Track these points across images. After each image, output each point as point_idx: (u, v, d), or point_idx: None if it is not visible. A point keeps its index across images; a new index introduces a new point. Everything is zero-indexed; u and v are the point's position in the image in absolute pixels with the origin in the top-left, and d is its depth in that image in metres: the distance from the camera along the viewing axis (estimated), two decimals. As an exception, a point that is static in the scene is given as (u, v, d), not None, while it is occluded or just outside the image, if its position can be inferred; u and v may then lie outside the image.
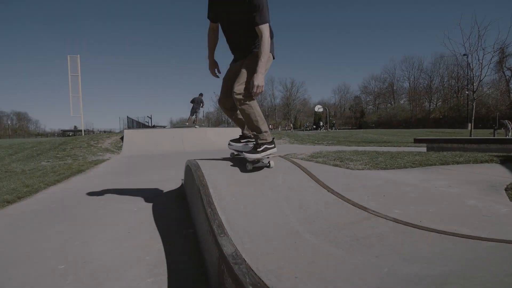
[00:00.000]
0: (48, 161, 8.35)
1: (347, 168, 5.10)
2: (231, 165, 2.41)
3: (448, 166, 4.89)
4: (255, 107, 2.22)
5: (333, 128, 51.90)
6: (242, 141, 2.68)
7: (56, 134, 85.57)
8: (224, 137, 13.37)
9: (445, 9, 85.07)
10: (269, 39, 2.09)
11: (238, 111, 2.34)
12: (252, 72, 2.10)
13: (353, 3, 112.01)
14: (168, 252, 1.78)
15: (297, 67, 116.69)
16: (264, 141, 2.28)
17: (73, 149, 10.69)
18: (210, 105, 79.01)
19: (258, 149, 2.23)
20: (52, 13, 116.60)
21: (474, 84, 12.11)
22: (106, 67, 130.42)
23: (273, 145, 2.32)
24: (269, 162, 2.37)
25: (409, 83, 66.12)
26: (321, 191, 2.00)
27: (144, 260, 1.68)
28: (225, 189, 1.85)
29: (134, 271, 1.55)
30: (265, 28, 2.06)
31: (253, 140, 2.41)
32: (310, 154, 7.59)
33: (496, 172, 3.98)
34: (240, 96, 2.12)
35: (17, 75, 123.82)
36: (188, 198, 2.75)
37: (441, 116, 48.69)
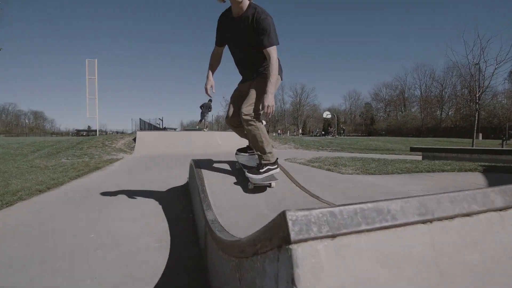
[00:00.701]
0: (67, 159, 9.08)
1: (339, 172, 5.59)
2: (227, 164, 2.93)
3: (433, 173, 5.32)
4: (261, 129, 2.30)
5: (342, 134, 51.92)
6: (249, 151, 2.82)
7: (70, 134, 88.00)
8: (230, 141, 13.96)
9: (459, 16, 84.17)
10: (277, 60, 2.15)
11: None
12: (260, 93, 2.17)
13: (365, 9, 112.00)
14: (172, 228, 2.31)
15: (307, 72, 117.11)
16: (267, 162, 2.33)
17: (90, 148, 11.45)
18: (219, 109, 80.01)
19: (260, 170, 2.28)
20: (66, 15, 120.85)
21: (477, 94, 12.35)
22: (119, 69, 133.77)
23: (275, 166, 2.38)
24: (270, 184, 2.35)
25: (421, 91, 65.65)
26: (291, 186, 2.49)
27: (153, 232, 2.22)
28: (216, 181, 2.37)
29: (145, 239, 2.09)
30: (273, 51, 2.11)
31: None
32: (309, 159, 8.09)
33: (470, 179, 4.40)
34: (248, 117, 2.19)
35: (35, 75, 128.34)
36: (190, 190, 3.28)
37: (452, 126, 48.13)
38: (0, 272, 1.63)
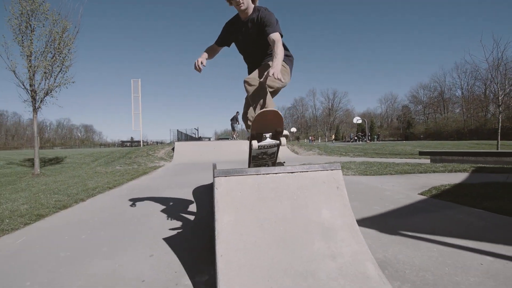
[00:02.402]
0: (120, 166, 11.02)
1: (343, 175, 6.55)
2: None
3: (422, 174, 6.13)
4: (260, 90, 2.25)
5: (375, 139, 50.69)
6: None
7: (116, 145, 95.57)
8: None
9: (498, 11, 78.01)
10: (281, 42, 2.17)
11: None
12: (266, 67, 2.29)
13: (400, 10, 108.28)
14: (199, 207, 3.62)
15: (340, 77, 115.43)
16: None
17: (137, 157, 13.46)
18: None
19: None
20: (111, 39, 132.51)
21: (500, 97, 12.34)
22: (157, 84, 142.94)
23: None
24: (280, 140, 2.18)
25: (462, 91, 61.88)
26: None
27: (188, 208, 3.54)
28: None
29: (183, 211, 3.41)
30: (276, 35, 2.15)
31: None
32: (321, 163, 9.05)
33: (449, 179, 5.17)
34: (248, 82, 2.25)
35: (85, 92, 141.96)
36: (211, 186, 4.60)
37: (496, 127, 44.79)
38: (113, 221, 3.03)
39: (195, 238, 2.44)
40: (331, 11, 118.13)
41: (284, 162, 2.52)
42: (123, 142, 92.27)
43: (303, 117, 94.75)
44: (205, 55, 2.49)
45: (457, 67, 59.28)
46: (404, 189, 4.37)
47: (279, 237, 1.56)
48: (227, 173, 1.76)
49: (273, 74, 1.90)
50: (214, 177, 1.75)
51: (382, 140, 55.69)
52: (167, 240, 2.41)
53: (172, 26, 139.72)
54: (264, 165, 2.16)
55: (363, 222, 2.72)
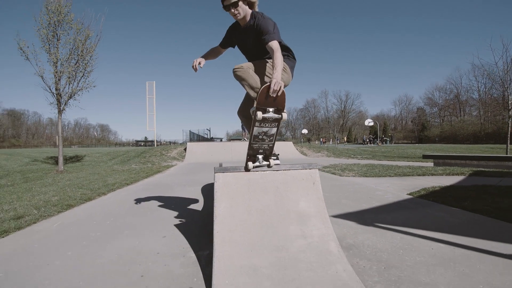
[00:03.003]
0: (136, 165, 11.69)
1: (339, 175, 6.93)
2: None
3: (420, 176, 6.41)
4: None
5: (388, 142, 50.10)
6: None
7: (130, 144, 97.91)
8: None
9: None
10: (280, 51, 2.17)
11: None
12: (261, 67, 2.42)
13: (414, 10, 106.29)
14: (205, 201, 4.08)
15: (353, 78, 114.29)
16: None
17: (151, 157, 14.14)
18: None
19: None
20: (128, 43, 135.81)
21: (510, 102, 12.29)
22: (170, 85, 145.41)
23: (275, 157, 2.52)
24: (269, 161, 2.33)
25: (479, 94, 60.30)
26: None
27: (196, 203, 4.01)
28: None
29: (191, 204, 3.88)
30: (274, 43, 2.18)
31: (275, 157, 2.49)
32: (327, 165, 9.44)
33: (443, 181, 5.45)
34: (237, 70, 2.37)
35: (102, 92, 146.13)
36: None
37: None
38: (131, 211, 3.52)
39: (200, 225, 2.90)
40: (346, 11, 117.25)
41: (278, 154, 2.62)
42: (137, 141, 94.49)
43: (315, 119, 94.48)
44: (205, 55, 2.63)
45: (474, 69, 57.80)
46: (395, 190, 4.70)
47: (263, 221, 1.98)
48: (224, 170, 2.20)
49: (275, 84, 1.95)
50: (214, 173, 2.19)
51: (395, 143, 54.88)
52: (177, 226, 2.88)
53: (187, 27, 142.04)
54: (262, 149, 2.26)
55: (347, 216, 3.10)
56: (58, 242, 2.53)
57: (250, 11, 2.35)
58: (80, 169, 10.70)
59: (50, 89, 8.76)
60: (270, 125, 2.14)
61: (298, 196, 2.13)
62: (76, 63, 9.00)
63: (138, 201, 4.26)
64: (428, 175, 6.55)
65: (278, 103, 2.07)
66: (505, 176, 6.00)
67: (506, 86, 12.38)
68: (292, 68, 2.54)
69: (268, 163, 2.27)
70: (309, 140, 62.96)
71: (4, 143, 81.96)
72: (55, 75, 8.71)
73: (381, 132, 60.68)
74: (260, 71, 2.44)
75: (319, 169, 8.24)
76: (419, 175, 6.65)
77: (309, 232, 1.95)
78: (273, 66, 2.12)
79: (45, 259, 2.14)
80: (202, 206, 3.83)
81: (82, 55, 8.99)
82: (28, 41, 8.51)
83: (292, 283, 1.60)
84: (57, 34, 8.73)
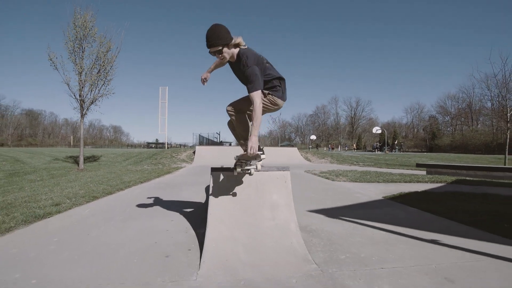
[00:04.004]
0: (148, 166, 12.59)
1: (332, 180, 7.58)
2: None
3: (406, 183, 7.00)
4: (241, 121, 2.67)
5: (397, 150, 49.91)
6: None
7: (142, 146, 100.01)
8: (270, 156, 16.26)
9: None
10: (261, 105, 2.25)
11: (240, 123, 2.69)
12: (245, 101, 2.59)
13: (425, 16, 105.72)
14: (207, 197, 4.82)
15: (364, 85, 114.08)
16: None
17: (162, 158, 15.05)
18: (267, 127, 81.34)
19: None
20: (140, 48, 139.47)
21: (508, 113, 12.67)
22: (181, 88, 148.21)
23: (261, 152, 2.74)
24: (256, 166, 2.69)
25: (492, 103, 59.38)
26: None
27: (199, 199, 4.76)
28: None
29: (195, 199, 4.64)
30: (255, 97, 2.23)
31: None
32: (325, 170, 10.09)
33: (422, 187, 6.05)
34: (231, 112, 2.67)
35: (115, 94, 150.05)
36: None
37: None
38: (145, 204, 4.29)
39: (199, 214, 3.64)
40: (357, 17, 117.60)
41: (263, 148, 2.84)
42: (148, 143, 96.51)
43: (324, 125, 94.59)
44: (211, 69, 2.77)
45: (487, 78, 57.04)
46: (374, 193, 5.34)
47: (244, 207, 2.70)
48: (218, 170, 2.93)
49: (250, 148, 2.18)
50: (211, 172, 2.93)
51: (404, 151, 54.49)
52: (182, 214, 3.64)
53: (201, 29, 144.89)
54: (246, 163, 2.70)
55: (321, 211, 3.79)
56: (92, 221, 3.32)
57: (236, 50, 2.39)
58: (98, 168, 11.65)
59: (74, 95, 9.76)
60: (250, 163, 2.69)
61: (272, 190, 2.84)
62: (98, 72, 9.98)
63: (151, 196, 5.05)
64: (414, 182, 7.12)
65: (257, 155, 2.54)
66: (483, 184, 6.53)
67: (505, 99, 12.78)
68: (281, 97, 2.58)
69: (254, 167, 2.77)
70: (317, 146, 63.16)
71: (22, 141, 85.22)
72: (79, 83, 9.70)
73: (391, 140, 60.37)
74: (250, 105, 2.48)
75: (316, 174, 8.93)
76: (406, 182, 7.22)
77: (277, 216, 2.66)
78: (252, 122, 2.29)
79: (88, 230, 2.92)
80: (204, 200, 4.58)
81: (103, 65, 9.97)
82: (57, 53, 9.56)
83: (259, 248, 2.32)
84: (82, 46, 9.75)
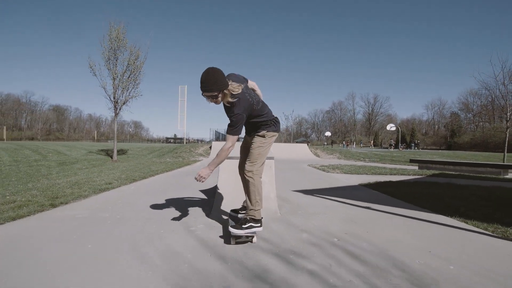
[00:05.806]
0: (170, 158, 14.20)
1: (328, 172, 8.76)
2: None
3: (391, 175, 8.09)
4: (258, 185, 2.62)
5: (413, 147, 49.57)
6: (241, 212, 3.06)
7: (161, 141, 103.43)
8: (281, 150, 17.49)
9: None
10: (230, 149, 2.40)
11: None
12: (258, 152, 2.62)
13: (448, 15, 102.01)
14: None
15: (382, 81, 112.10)
16: (252, 218, 2.52)
17: (182, 152, 16.68)
18: (285, 122, 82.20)
19: (243, 225, 2.45)
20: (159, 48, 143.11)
21: (508, 113, 13.22)
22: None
23: (259, 224, 2.53)
24: (251, 239, 2.51)
25: (516, 101, 57.35)
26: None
27: (212, 182, 6.15)
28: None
29: (209, 183, 6.03)
30: (230, 139, 2.37)
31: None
32: (327, 164, 11.23)
33: (400, 178, 7.12)
34: (250, 174, 2.60)
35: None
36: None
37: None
38: (169, 187, 5.71)
39: (212, 191, 5.01)
40: (377, 14, 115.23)
41: (261, 218, 2.88)
42: (167, 138, 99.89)
43: (341, 121, 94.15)
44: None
45: (510, 74, 55.14)
46: (354, 181, 6.51)
47: (239, 181, 4.03)
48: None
49: (198, 176, 2.47)
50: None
51: (422, 149, 53.86)
52: (200, 191, 5.02)
53: (221, 27, 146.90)
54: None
55: (302, 191, 5.05)
56: (138, 194, 4.77)
57: (228, 95, 2.37)
58: (127, 160, 13.38)
59: (109, 97, 11.44)
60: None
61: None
62: (129, 77, 11.60)
63: (174, 182, 6.49)
64: (399, 175, 8.17)
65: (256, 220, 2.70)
66: (459, 177, 7.51)
67: (505, 99, 13.32)
68: (273, 136, 2.75)
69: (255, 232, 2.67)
70: (332, 142, 63.51)
71: (50, 136, 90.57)
72: (113, 87, 11.36)
73: (408, 137, 59.68)
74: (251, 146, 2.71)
75: (316, 168, 10.13)
76: (391, 174, 8.29)
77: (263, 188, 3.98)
78: (216, 156, 2.52)
79: (137, 200, 4.37)
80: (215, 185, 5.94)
81: (133, 71, 11.58)
82: (95, 61, 11.25)
83: (248, 207, 3.65)
84: (116, 55, 11.38)
